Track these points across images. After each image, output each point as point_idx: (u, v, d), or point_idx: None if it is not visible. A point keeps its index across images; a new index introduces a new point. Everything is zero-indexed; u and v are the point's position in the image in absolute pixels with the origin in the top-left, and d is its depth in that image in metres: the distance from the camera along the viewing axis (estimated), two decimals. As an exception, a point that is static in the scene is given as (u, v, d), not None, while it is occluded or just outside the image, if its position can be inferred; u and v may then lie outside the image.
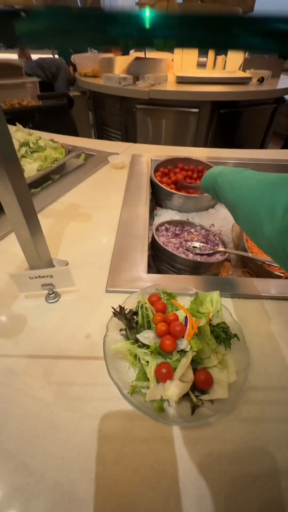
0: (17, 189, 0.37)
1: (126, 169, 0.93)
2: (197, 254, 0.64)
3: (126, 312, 0.40)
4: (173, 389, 0.32)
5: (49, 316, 0.45)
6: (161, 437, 0.32)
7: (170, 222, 0.71)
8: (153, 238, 0.63)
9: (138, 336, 0.37)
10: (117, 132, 2.25)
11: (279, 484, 0.28)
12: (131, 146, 1.13)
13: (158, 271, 0.64)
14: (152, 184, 0.85)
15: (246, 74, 2.22)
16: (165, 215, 0.81)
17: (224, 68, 2.57)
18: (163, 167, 0.92)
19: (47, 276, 0.44)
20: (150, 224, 0.75)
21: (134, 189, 0.80)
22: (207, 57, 2.70)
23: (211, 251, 0.64)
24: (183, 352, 0.36)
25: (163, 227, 0.69)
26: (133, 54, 2.54)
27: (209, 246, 0.67)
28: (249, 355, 0.37)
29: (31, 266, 0.50)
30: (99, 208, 0.73)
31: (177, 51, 2.50)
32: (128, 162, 0.98)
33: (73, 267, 0.54)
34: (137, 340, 0.37)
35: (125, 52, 2.68)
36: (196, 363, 0.36)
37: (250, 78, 2.12)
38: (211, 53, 2.72)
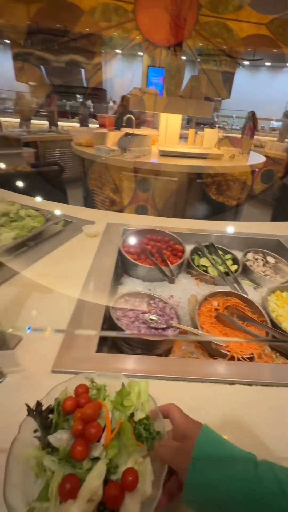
0: None
1: (99, 238, 1.02)
2: (151, 327, 0.67)
3: (44, 408, 0.36)
4: None
5: (-10, 398, 0.46)
6: None
7: (129, 294, 0.76)
8: (109, 314, 0.66)
9: (50, 437, 0.33)
10: (104, 195, 2.47)
11: None
12: (108, 214, 1.25)
13: (114, 345, 0.66)
14: (120, 253, 0.92)
15: (219, 151, 2.58)
16: (129, 284, 0.86)
17: (202, 144, 2.98)
18: (133, 236, 1.01)
19: (-8, 358, 0.46)
20: (114, 293, 0.79)
21: (101, 260, 0.87)
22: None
23: (164, 326, 0.68)
24: (97, 459, 0.32)
25: (122, 299, 0.74)
26: (124, 130, 2.94)
27: (164, 319, 0.71)
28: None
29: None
30: (64, 278, 0.78)
31: (162, 127, 2.91)
32: (102, 230, 1.07)
33: (26, 341, 0.56)
34: (49, 444, 0.33)
35: (118, 128, 3.12)
36: (109, 473, 0.32)
37: (222, 155, 2.45)
38: (191, 131, 3.18)
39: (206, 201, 2.45)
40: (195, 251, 0.99)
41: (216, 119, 6.43)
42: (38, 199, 1.30)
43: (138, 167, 2.15)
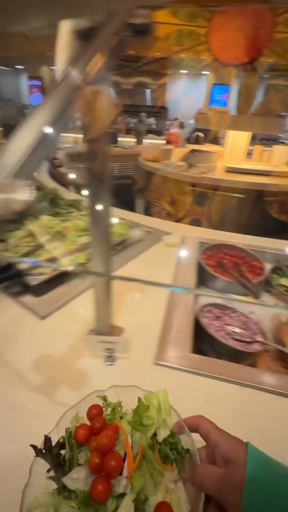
0: (106, 256, 0.51)
1: (176, 248, 1.08)
2: (236, 339, 0.70)
3: (54, 444, 0.31)
4: None
5: (106, 378, 0.54)
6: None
7: (213, 305, 0.79)
8: (196, 318, 0.71)
9: (64, 480, 0.28)
10: (162, 206, 2.58)
11: None
12: (181, 226, 1.32)
13: (199, 349, 0.70)
14: (198, 265, 0.97)
15: (289, 168, 2.48)
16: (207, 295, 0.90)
17: (269, 161, 2.90)
18: (209, 250, 1.06)
19: (112, 342, 0.55)
20: (195, 302, 0.84)
21: (183, 268, 0.93)
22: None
23: (250, 339, 0.69)
24: (122, 495, 0.28)
25: (207, 308, 0.78)
26: (189, 146, 3.04)
27: (248, 334, 0.72)
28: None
29: (96, 327, 0.61)
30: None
31: (229, 144, 2.93)
32: (179, 241, 1.14)
33: (127, 333, 0.64)
34: (65, 486, 0.28)
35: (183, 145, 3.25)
36: (138, 509, 0.28)
37: (292, 173, 2.35)
38: (258, 148, 3.12)
39: (268, 219, 2.36)
40: (274, 270, 0.98)
41: (281, 135, 6.16)
42: (115, 208, 1.44)
43: (206, 182, 2.21)
